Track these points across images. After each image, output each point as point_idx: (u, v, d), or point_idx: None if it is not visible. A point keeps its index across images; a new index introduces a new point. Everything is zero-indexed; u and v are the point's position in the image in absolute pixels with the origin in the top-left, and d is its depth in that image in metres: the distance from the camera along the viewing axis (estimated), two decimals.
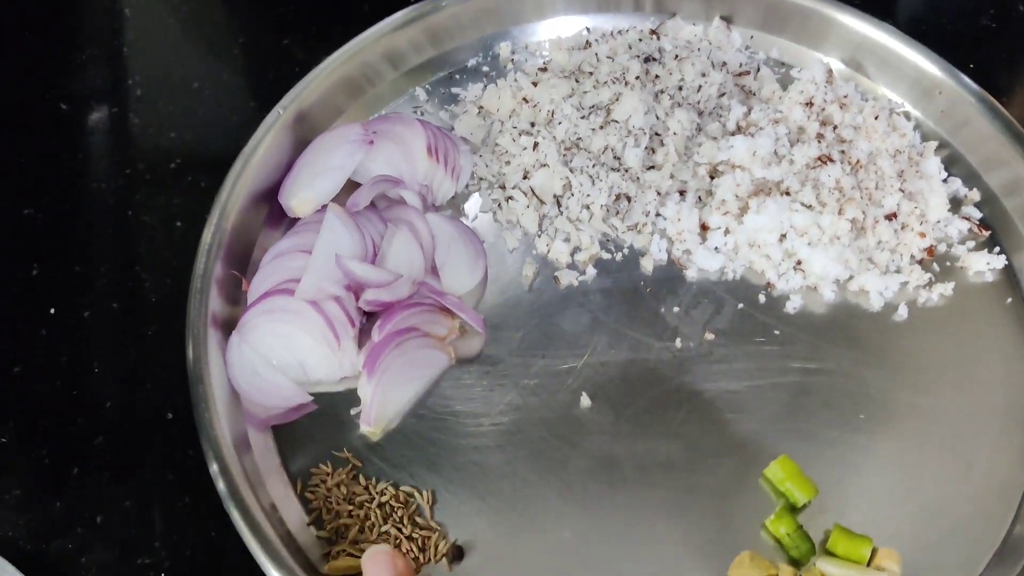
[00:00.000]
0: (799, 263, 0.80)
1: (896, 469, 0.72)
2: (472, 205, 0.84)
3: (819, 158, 0.80)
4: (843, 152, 0.81)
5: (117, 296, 0.79)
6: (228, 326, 0.75)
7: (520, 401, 0.74)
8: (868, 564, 0.67)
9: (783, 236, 0.80)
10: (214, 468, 0.67)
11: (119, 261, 0.80)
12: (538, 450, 0.72)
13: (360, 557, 0.66)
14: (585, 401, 0.74)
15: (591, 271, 0.81)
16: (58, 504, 0.70)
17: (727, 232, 0.81)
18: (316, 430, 0.73)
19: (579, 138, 0.83)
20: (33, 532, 0.68)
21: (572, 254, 0.81)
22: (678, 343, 0.77)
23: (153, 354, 0.76)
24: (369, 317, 0.77)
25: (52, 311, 0.78)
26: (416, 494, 0.70)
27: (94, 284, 0.79)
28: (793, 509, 0.69)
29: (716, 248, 0.81)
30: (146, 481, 0.71)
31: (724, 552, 0.68)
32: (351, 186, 0.79)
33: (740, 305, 0.79)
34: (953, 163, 0.86)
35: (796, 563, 0.67)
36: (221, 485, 0.66)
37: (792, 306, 0.79)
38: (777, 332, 0.78)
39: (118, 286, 0.79)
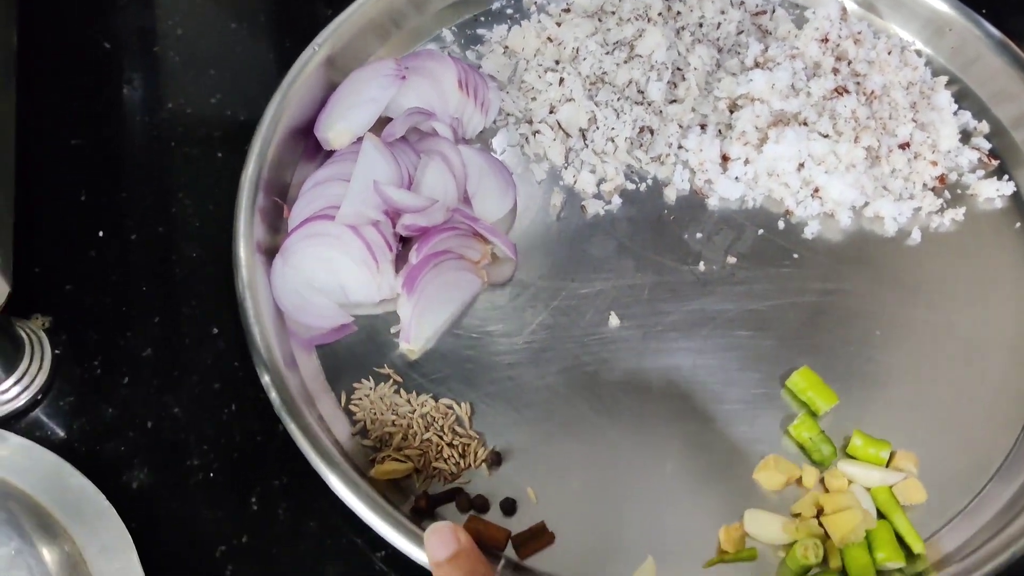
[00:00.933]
0: (816, 190, 0.83)
1: (912, 380, 0.75)
2: (500, 140, 0.87)
3: (835, 89, 0.83)
4: (858, 84, 0.84)
5: (162, 221, 0.82)
6: (271, 252, 0.77)
7: (551, 321, 0.78)
8: (887, 466, 0.70)
9: (801, 165, 0.83)
10: (266, 379, 0.70)
11: (163, 188, 0.83)
12: (569, 366, 0.75)
13: (404, 462, 0.70)
14: (614, 320, 0.77)
15: (616, 200, 0.84)
16: (110, 410, 0.73)
17: (747, 162, 0.84)
18: (358, 349, 0.76)
19: (604, 73, 0.86)
20: (87, 436, 0.72)
21: (598, 185, 0.84)
22: (701, 266, 0.80)
23: (198, 274, 0.79)
24: (405, 244, 0.80)
25: (100, 233, 0.80)
26: (455, 406, 0.73)
27: (140, 209, 0.82)
28: (814, 417, 0.72)
29: (736, 177, 0.84)
30: (194, 391, 0.74)
31: (750, 457, 0.71)
32: (383, 123, 0.82)
33: (760, 231, 0.83)
34: (963, 98, 0.89)
35: (818, 466, 0.71)
36: (273, 395, 0.69)
37: (810, 231, 0.82)
38: (796, 256, 0.81)
39: (163, 211, 0.82)
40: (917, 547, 0.66)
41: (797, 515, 0.69)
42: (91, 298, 0.78)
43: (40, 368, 0.74)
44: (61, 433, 0.72)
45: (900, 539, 0.67)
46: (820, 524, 0.67)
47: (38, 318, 0.77)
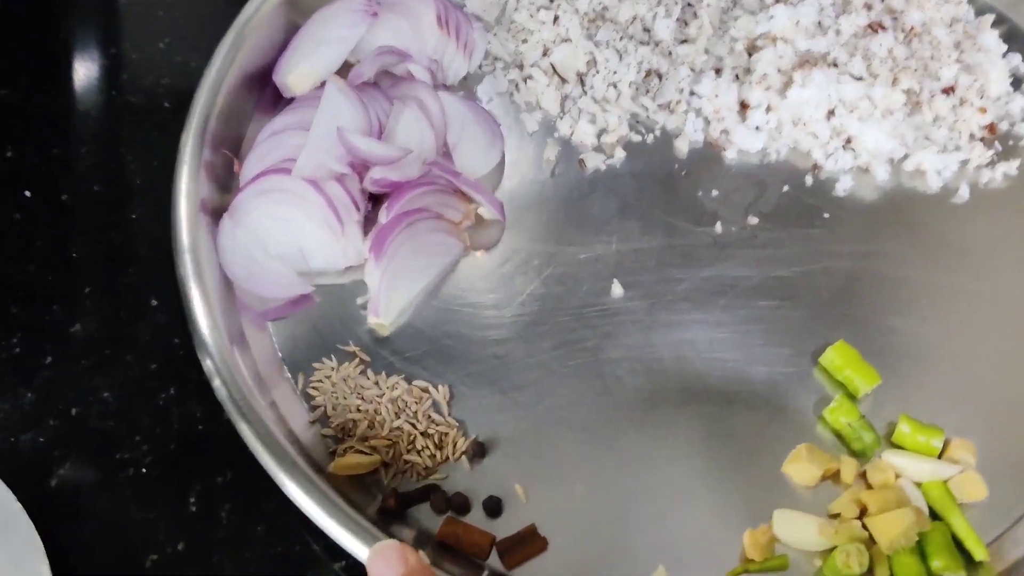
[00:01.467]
0: (849, 141, 0.72)
1: (963, 356, 0.65)
2: (486, 87, 0.76)
3: (869, 26, 0.73)
4: (895, 20, 0.74)
5: (99, 178, 0.71)
6: (219, 213, 0.67)
7: (544, 291, 0.67)
8: (939, 457, 0.60)
9: (831, 112, 0.72)
10: (208, 364, 0.59)
11: (102, 143, 0.73)
12: (566, 341, 0.65)
13: (370, 454, 0.59)
14: (617, 289, 0.67)
15: (620, 154, 0.73)
16: (29, 395, 0.62)
17: (769, 109, 0.73)
18: (319, 324, 0.66)
19: (604, 8, 0.76)
20: (0, 424, 0.61)
21: (598, 136, 0.74)
22: (718, 227, 0.70)
23: (137, 239, 0.69)
24: (375, 204, 0.69)
25: (27, 193, 0.70)
26: (431, 389, 0.63)
27: (74, 167, 0.72)
28: (853, 399, 0.62)
29: (757, 127, 0.74)
30: (128, 372, 0.63)
31: (778, 447, 0.61)
32: (351, 69, 0.72)
33: (785, 187, 0.72)
34: (1012, 39, 0.78)
35: (859, 456, 0.60)
36: (217, 383, 0.59)
37: (842, 188, 0.72)
38: (826, 215, 0.71)
39: (100, 168, 0.72)
40: (979, 553, 0.56)
41: (836, 516, 0.58)
42: (13, 266, 0.67)
43: None
44: None
45: (958, 543, 0.56)
46: (864, 526, 0.56)
47: None
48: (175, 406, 0.62)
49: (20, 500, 0.56)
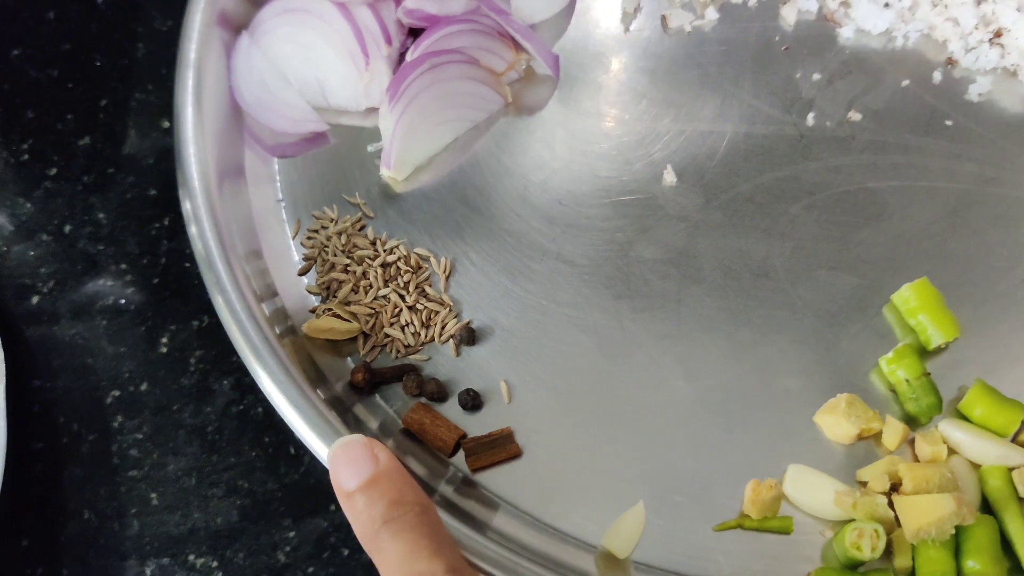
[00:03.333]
0: (998, 34, 0.58)
1: None
2: None
3: None
4: None
5: None
6: (240, 30, 0.60)
7: (584, 165, 0.58)
8: (1012, 439, 0.48)
9: None
10: (187, 207, 0.52)
11: None
12: (594, 227, 0.56)
13: (348, 320, 0.53)
14: (669, 176, 0.57)
15: (711, 14, 0.61)
16: (28, 206, 0.59)
17: None
18: (329, 169, 0.59)
19: None
20: None
21: None
22: (810, 119, 0.58)
23: (163, 53, 0.63)
24: (415, 40, 0.61)
25: None
26: (432, 260, 0.56)
27: None
28: (921, 352, 0.51)
29: (886, 3, 0.60)
30: (125, 193, 0.59)
31: (815, 391, 0.51)
32: None
33: (905, 82, 0.58)
34: None
35: (911, 421, 0.50)
36: (193, 230, 0.52)
37: (977, 91, 0.58)
38: (949, 123, 0.57)
39: None
40: None
41: (862, 484, 0.48)
42: (36, 69, 0.64)
43: None
44: None
45: (1005, 545, 0.46)
46: (890, 504, 0.46)
47: None
48: (166, 238, 0.58)
49: None
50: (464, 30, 0.58)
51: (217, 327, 0.55)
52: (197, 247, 0.52)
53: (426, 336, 0.54)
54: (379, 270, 0.55)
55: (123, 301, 0.57)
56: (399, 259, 0.55)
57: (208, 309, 0.56)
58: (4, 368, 0.52)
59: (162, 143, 0.61)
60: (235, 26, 0.60)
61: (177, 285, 0.57)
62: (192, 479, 0.52)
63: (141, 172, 0.60)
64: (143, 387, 0.54)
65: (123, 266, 0.58)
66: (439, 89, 0.57)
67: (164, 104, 0.62)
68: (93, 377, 0.55)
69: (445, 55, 0.57)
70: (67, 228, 0.59)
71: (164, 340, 0.56)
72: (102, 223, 0.59)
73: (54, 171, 0.61)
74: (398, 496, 0.40)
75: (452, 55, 0.57)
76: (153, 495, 0.52)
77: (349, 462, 0.41)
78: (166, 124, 0.61)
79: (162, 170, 0.60)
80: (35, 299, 0.57)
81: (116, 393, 0.54)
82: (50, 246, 0.58)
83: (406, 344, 0.53)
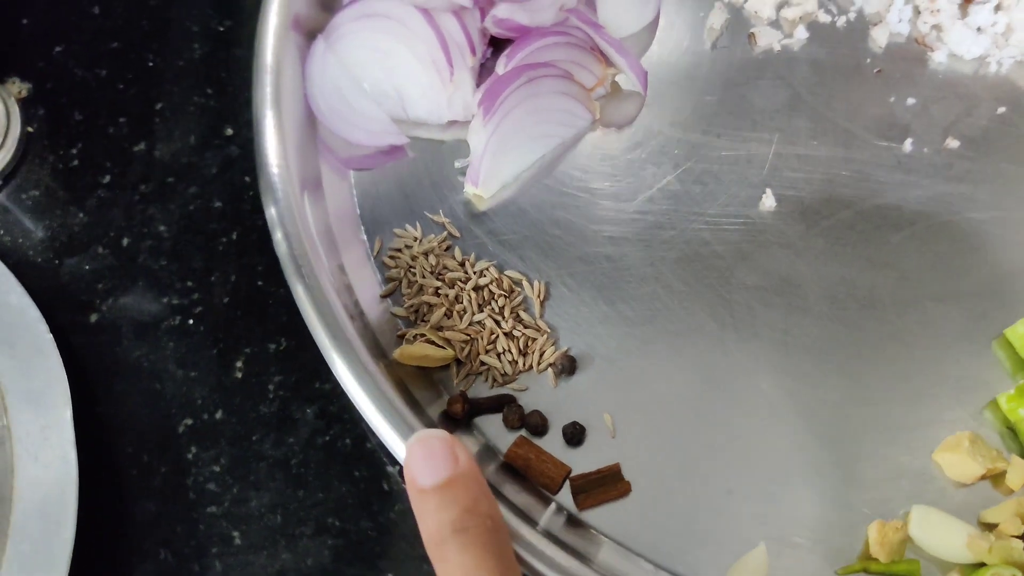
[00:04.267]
0: None
1: None
2: None
3: None
4: None
5: None
6: (315, 35, 0.57)
7: (678, 188, 0.55)
8: None
9: None
10: (271, 213, 0.51)
11: None
12: (693, 253, 0.54)
13: (443, 347, 0.50)
14: (768, 201, 0.55)
15: (801, 34, 0.59)
16: (80, 216, 0.55)
17: (999, 7, 0.58)
18: (408, 184, 0.56)
19: None
20: (46, 244, 0.55)
21: (778, 8, 0.60)
22: (907, 145, 0.56)
23: (222, 54, 0.60)
24: (495, 50, 0.58)
25: None
26: (525, 283, 0.53)
27: None
28: None
29: (979, 28, 0.59)
30: (188, 206, 0.56)
31: (930, 429, 0.49)
32: None
33: (1001, 109, 0.57)
34: None
35: None
36: (279, 235, 0.50)
37: None
38: None
39: None
40: None
41: (988, 526, 0.47)
42: (83, 68, 0.59)
43: (3, 145, 0.57)
44: (14, 235, 0.55)
45: None
46: None
47: (15, 83, 0.59)
48: (235, 254, 0.54)
49: (53, 332, 0.50)
50: (559, 43, 0.55)
51: (297, 350, 0.52)
52: (282, 252, 0.49)
53: (524, 364, 0.51)
54: (472, 293, 0.52)
55: (191, 321, 0.53)
56: (491, 282, 0.52)
57: (286, 331, 0.52)
58: (69, 393, 0.48)
59: (226, 152, 0.57)
60: (309, 31, 0.57)
61: (250, 305, 0.53)
62: (277, 516, 0.48)
63: (204, 182, 0.56)
64: (218, 415, 0.51)
65: (189, 283, 0.54)
66: (532, 104, 0.54)
67: (226, 109, 0.58)
68: (162, 404, 0.51)
69: (540, 68, 0.54)
70: (125, 241, 0.55)
71: (239, 364, 0.52)
72: (164, 236, 0.55)
73: (107, 179, 0.57)
74: (472, 504, 0.38)
75: (547, 68, 0.54)
76: (235, 533, 0.48)
77: (427, 457, 0.39)
78: (229, 131, 0.58)
79: (227, 180, 0.56)
80: (93, 317, 0.53)
81: (189, 421, 0.51)
82: (107, 260, 0.54)
83: (503, 372, 0.51)
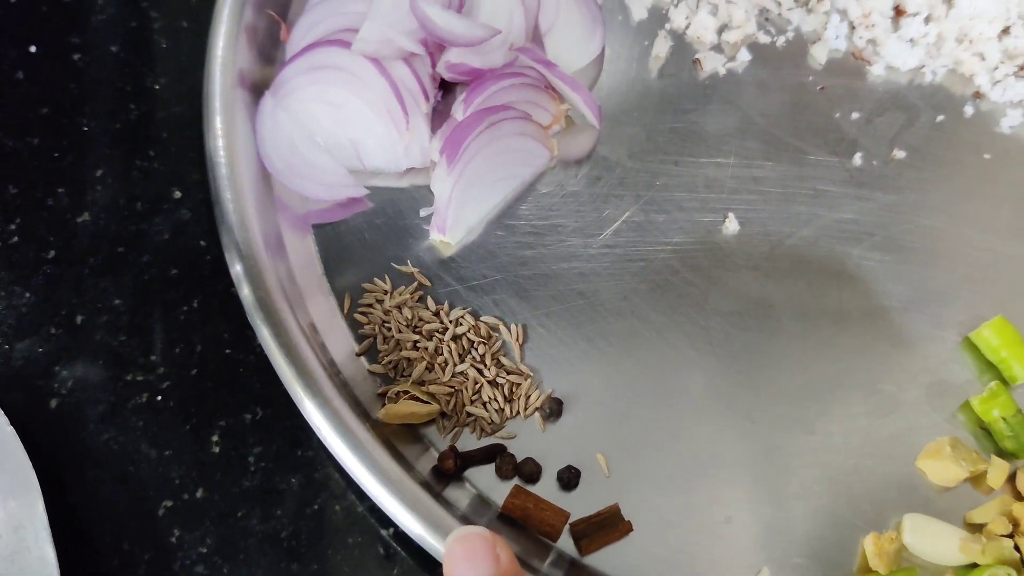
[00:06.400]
0: (1023, 68, 0.59)
1: None
2: None
3: None
4: None
5: (117, 37, 0.59)
6: (260, 90, 0.55)
7: (642, 218, 0.56)
8: None
9: (1006, 29, 0.59)
10: (237, 269, 0.49)
11: None
12: (665, 282, 0.54)
13: (427, 402, 0.49)
14: (732, 225, 0.55)
15: (743, 56, 0.61)
16: (27, 295, 0.53)
17: (929, 20, 0.61)
18: (372, 236, 0.55)
19: None
20: None
21: (719, 32, 0.61)
22: (857, 159, 0.58)
23: (160, 114, 0.58)
24: (445, 93, 0.58)
25: (33, 49, 0.59)
26: (502, 328, 0.52)
27: (88, 20, 0.60)
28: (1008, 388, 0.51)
29: (912, 39, 0.61)
30: (142, 276, 0.53)
31: (908, 435, 0.51)
32: None
33: (939, 117, 0.60)
34: None
35: (1008, 457, 0.50)
36: (246, 291, 0.49)
37: (1008, 124, 0.59)
38: (987, 156, 0.58)
39: (119, 24, 0.60)
40: None
41: (974, 527, 0.48)
42: (12, 138, 0.56)
43: None
44: None
45: None
46: (1016, 547, 0.47)
47: None
48: (198, 323, 0.52)
49: (13, 423, 0.47)
50: (515, 84, 0.55)
51: (274, 419, 0.50)
52: (253, 312, 0.48)
53: (510, 411, 0.50)
54: (451, 344, 0.51)
55: (159, 398, 0.51)
56: (468, 330, 0.52)
57: (261, 399, 0.51)
58: (39, 487, 0.46)
59: (176, 215, 0.55)
60: (254, 85, 0.55)
61: (220, 375, 0.51)
62: None
63: (157, 250, 0.54)
64: (199, 494, 0.49)
65: (153, 357, 0.52)
66: (494, 148, 0.54)
67: (171, 171, 0.56)
68: (138, 487, 0.49)
69: (500, 111, 0.54)
70: (79, 318, 0.52)
71: (215, 438, 0.50)
72: (120, 310, 0.53)
73: (52, 254, 0.54)
74: None
75: (506, 111, 0.54)
76: None
77: (468, 557, 0.38)
78: (178, 194, 0.56)
79: (181, 246, 0.54)
80: (54, 402, 0.50)
81: (168, 503, 0.48)
82: (61, 339, 0.52)
83: (491, 421, 0.50)
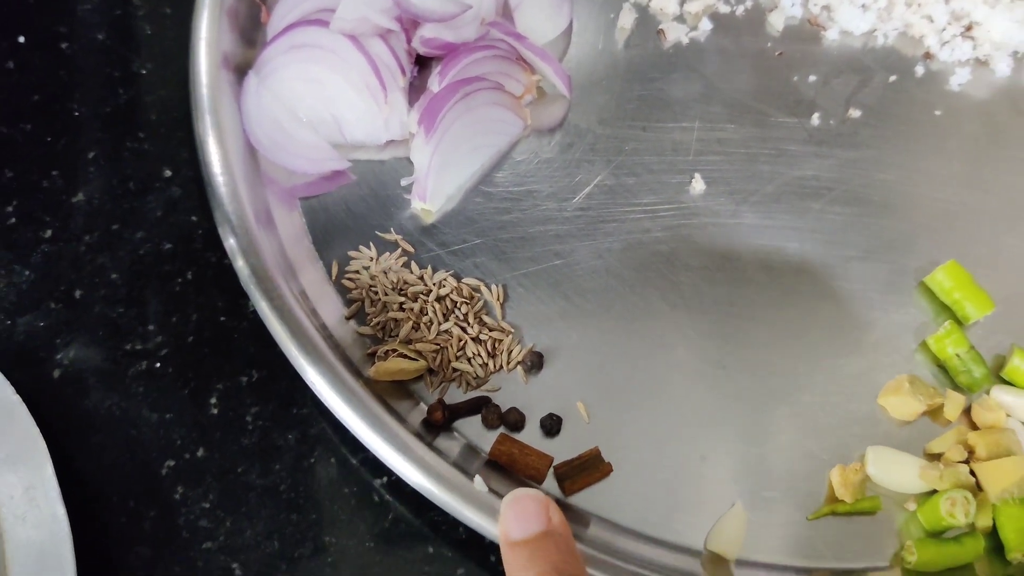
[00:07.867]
0: (969, 28, 0.63)
1: None
2: None
3: None
4: None
5: (103, 25, 0.62)
6: (243, 71, 0.58)
7: (613, 181, 0.59)
8: None
9: None
10: (231, 242, 0.52)
11: None
12: (636, 241, 0.57)
13: (415, 359, 0.52)
14: (698, 185, 0.58)
15: (705, 26, 0.63)
16: (27, 273, 0.55)
17: None
18: (356, 206, 0.57)
19: None
20: None
21: (681, 3, 0.64)
22: (815, 119, 0.61)
23: (147, 98, 0.60)
24: (421, 68, 0.60)
25: (21, 39, 0.61)
26: (483, 288, 0.55)
27: (75, 10, 0.62)
28: (960, 327, 0.54)
29: (863, 5, 0.64)
30: (137, 251, 0.56)
31: (871, 375, 0.54)
32: None
33: (892, 77, 0.63)
34: None
35: (963, 391, 0.53)
36: (240, 263, 0.51)
37: (956, 82, 0.63)
38: (938, 112, 0.62)
39: (104, 13, 0.62)
40: None
41: (933, 456, 0.52)
42: (7, 125, 0.59)
43: None
44: None
45: None
46: (971, 472, 0.50)
47: None
48: (193, 293, 0.55)
49: (19, 392, 0.49)
50: (486, 56, 0.57)
51: (269, 380, 0.53)
52: (249, 282, 0.51)
53: (494, 365, 0.53)
54: (435, 305, 0.54)
55: (158, 365, 0.53)
56: (451, 291, 0.54)
57: (255, 363, 0.53)
58: (47, 450, 0.48)
59: (168, 193, 0.57)
60: (238, 67, 0.58)
61: (215, 341, 0.54)
62: (275, 542, 0.49)
63: (150, 226, 0.56)
64: (200, 453, 0.51)
65: (151, 327, 0.54)
66: (469, 118, 0.56)
67: (161, 152, 0.59)
68: (141, 449, 0.51)
69: (473, 82, 0.56)
70: (78, 293, 0.55)
71: (213, 401, 0.52)
72: (117, 284, 0.55)
73: (49, 233, 0.56)
74: (561, 563, 0.39)
75: (479, 82, 0.57)
76: (235, 565, 0.49)
77: (520, 515, 0.41)
78: (168, 173, 0.58)
79: (173, 222, 0.57)
80: (57, 373, 0.53)
81: (171, 463, 0.51)
82: (61, 314, 0.54)
83: (476, 376, 0.53)
